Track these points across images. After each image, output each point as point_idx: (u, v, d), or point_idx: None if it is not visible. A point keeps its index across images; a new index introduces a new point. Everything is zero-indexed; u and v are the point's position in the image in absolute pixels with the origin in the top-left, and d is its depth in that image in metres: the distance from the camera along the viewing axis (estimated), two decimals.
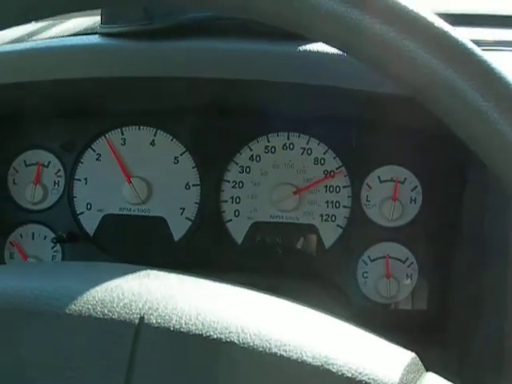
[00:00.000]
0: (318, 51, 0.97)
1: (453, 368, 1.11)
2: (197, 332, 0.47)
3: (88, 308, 0.48)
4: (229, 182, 1.19)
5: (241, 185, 1.19)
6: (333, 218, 1.17)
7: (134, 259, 0.97)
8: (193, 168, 1.19)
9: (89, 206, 1.22)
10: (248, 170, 1.18)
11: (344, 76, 0.96)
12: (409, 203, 1.16)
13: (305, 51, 0.97)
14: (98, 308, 0.48)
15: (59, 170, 1.23)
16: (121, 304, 0.48)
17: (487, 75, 0.50)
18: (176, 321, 0.47)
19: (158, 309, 0.48)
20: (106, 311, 0.48)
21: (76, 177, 1.23)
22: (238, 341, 0.46)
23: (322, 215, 1.18)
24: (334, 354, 0.47)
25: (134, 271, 0.54)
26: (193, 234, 1.20)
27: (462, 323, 1.13)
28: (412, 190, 1.16)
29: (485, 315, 1.04)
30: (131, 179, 1.20)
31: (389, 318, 1.18)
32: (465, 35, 0.52)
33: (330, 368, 0.46)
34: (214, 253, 1.20)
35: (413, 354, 0.50)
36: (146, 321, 0.47)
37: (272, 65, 0.98)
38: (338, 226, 1.17)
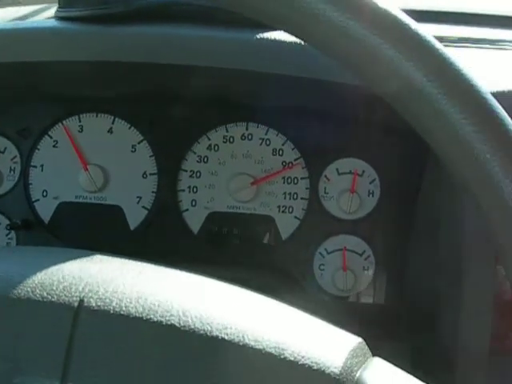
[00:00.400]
0: (277, 40, 0.96)
1: (407, 363, 1.11)
2: (137, 315, 0.46)
3: (27, 291, 0.47)
4: (186, 171, 1.18)
5: (198, 174, 1.18)
6: (290, 210, 1.17)
7: (89, 248, 0.96)
8: (150, 157, 1.18)
9: (44, 193, 1.21)
10: (206, 159, 1.17)
11: (303, 65, 0.96)
12: (367, 196, 1.16)
13: (264, 39, 0.96)
14: (38, 291, 0.47)
15: (15, 157, 1.22)
16: (60, 287, 0.47)
17: (441, 64, 0.50)
18: (116, 304, 0.46)
19: (98, 292, 0.47)
20: (46, 294, 0.47)
21: (32, 163, 1.21)
22: (179, 324, 0.45)
23: (279, 206, 1.17)
24: (276, 338, 0.46)
25: (78, 255, 0.53)
26: (149, 223, 1.19)
27: (418, 318, 1.13)
28: (370, 183, 1.16)
29: (439, 312, 1.04)
30: (88, 167, 1.18)
31: (345, 311, 1.17)
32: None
33: (272, 352, 0.45)
34: (169, 242, 1.19)
35: (359, 339, 0.50)
36: (85, 304, 0.46)
37: (229, 52, 0.97)
38: (295, 217, 1.17)
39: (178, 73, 1.03)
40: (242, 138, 1.17)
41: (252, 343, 0.45)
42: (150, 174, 1.18)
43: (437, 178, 1.05)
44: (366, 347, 0.51)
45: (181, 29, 0.99)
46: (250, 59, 0.97)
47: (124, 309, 0.46)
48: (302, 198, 1.17)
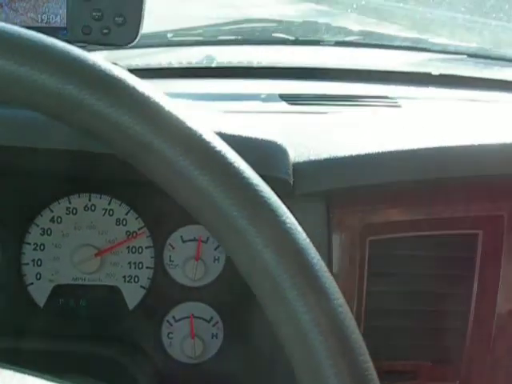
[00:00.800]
0: None
1: None
2: None
3: None
4: (30, 244, 1.16)
5: (42, 247, 1.16)
6: (136, 279, 1.16)
7: None
8: None
9: None
10: (49, 232, 1.16)
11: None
12: (212, 262, 1.16)
13: None
14: None
15: None
16: None
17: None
18: None
19: None
20: None
21: None
22: None
23: (124, 276, 1.16)
24: None
25: None
26: None
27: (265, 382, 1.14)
28: (215, 249, 1.17)
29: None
30: None
31: (196, 379, 1.17)
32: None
33: None
34: (16, 317, 1.16)
35: None
36: None
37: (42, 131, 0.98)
38: (141, 287, 1.16)
39: (12, 149, 1.02)
40: (85, 209, 1.16)
41: None
42: None
43: None
44: None
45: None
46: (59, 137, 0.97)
47: None
48: (147, 267, 1.16)
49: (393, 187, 1.03)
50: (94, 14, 1.03)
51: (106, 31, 1.03)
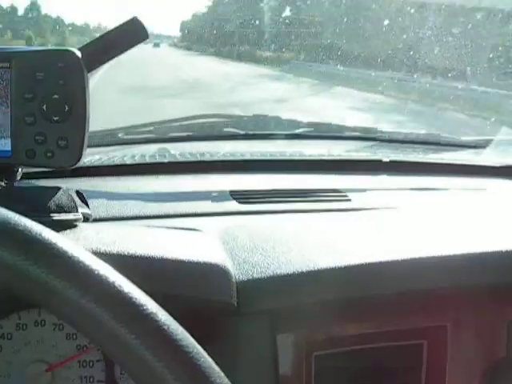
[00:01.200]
0: None
1: None
2: None
3: None
4: None
5: None
6: None
7: None
8: None
9: None
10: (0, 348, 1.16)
11: None
12: None
13: None
14: None
15: None
16: None
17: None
18: None
19: None
20: None
21: None
22: None
23: None
24: None
25: None
26: None
27: None
28: None
29: None
30: None
31: None
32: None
33: None
34: None
35: None
36: None
37: None
38: None
39: None
40: (35, 325, 1.16)
41: None
42: None
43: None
44: None
45: None
46: None
47: None
48: (98, 381, 1.16)
49: (337, 303, 1.05)
50: (38, 137, 1.04)
51: (49, 154, 1.04)
